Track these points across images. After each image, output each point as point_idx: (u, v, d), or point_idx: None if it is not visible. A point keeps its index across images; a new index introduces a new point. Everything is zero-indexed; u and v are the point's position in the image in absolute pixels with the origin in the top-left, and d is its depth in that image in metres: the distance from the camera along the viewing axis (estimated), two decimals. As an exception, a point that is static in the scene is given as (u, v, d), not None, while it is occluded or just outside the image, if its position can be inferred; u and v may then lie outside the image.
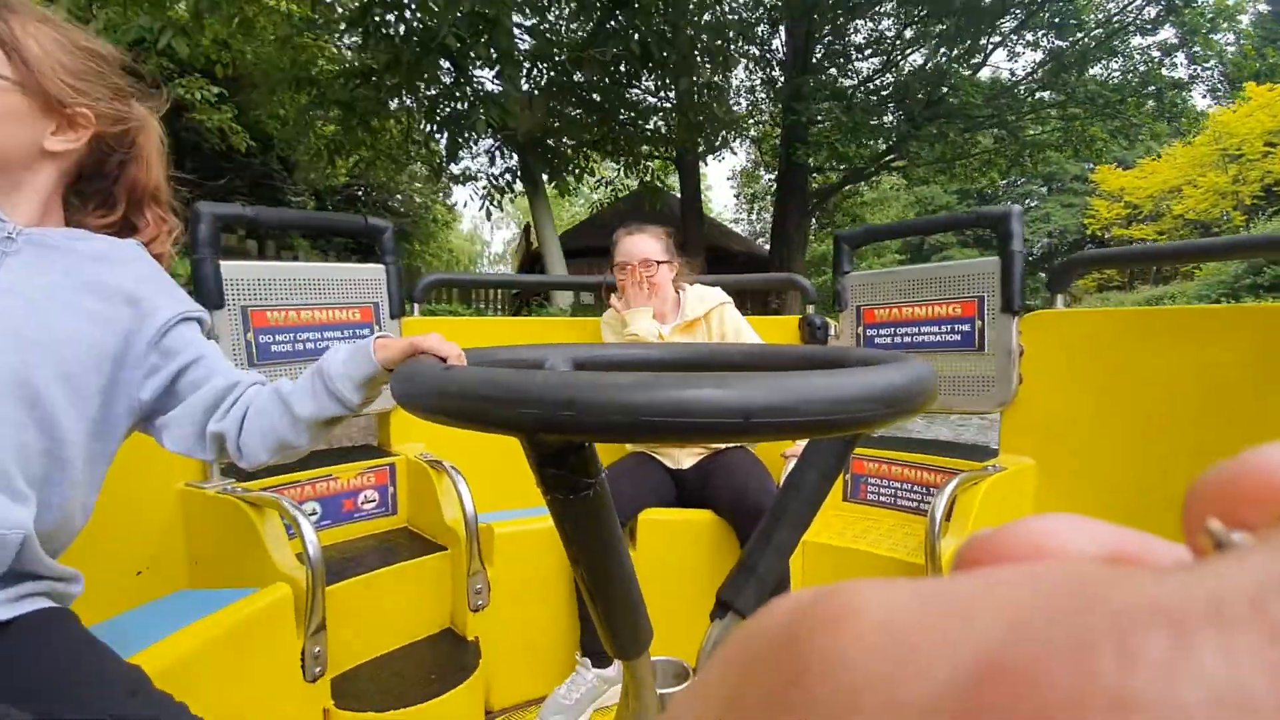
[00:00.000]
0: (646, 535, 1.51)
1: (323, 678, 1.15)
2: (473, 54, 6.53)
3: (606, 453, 1.75)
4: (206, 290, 1.35)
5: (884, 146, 10.92)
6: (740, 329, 1.66)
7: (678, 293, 1.73)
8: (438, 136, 7.85)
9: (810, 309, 1.97)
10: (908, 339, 1.72)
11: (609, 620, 0.63)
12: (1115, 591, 0.07)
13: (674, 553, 1.50)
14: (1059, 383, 1.52)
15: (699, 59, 8.14)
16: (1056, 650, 0.07)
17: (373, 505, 1.62)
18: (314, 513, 1.51)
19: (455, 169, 8.67)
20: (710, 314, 1.68)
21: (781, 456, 1.59)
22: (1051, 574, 0.08)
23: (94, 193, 0.84)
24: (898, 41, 10.66)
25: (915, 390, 0.52)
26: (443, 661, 1.34)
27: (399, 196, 14.25)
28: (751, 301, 10.03)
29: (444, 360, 0.74)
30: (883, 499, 1.70)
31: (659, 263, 1.66)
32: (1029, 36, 10.18)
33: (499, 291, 10.31)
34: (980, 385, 1.61)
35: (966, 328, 1.63)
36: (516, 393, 0.45)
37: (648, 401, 0.43)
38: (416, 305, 1.88)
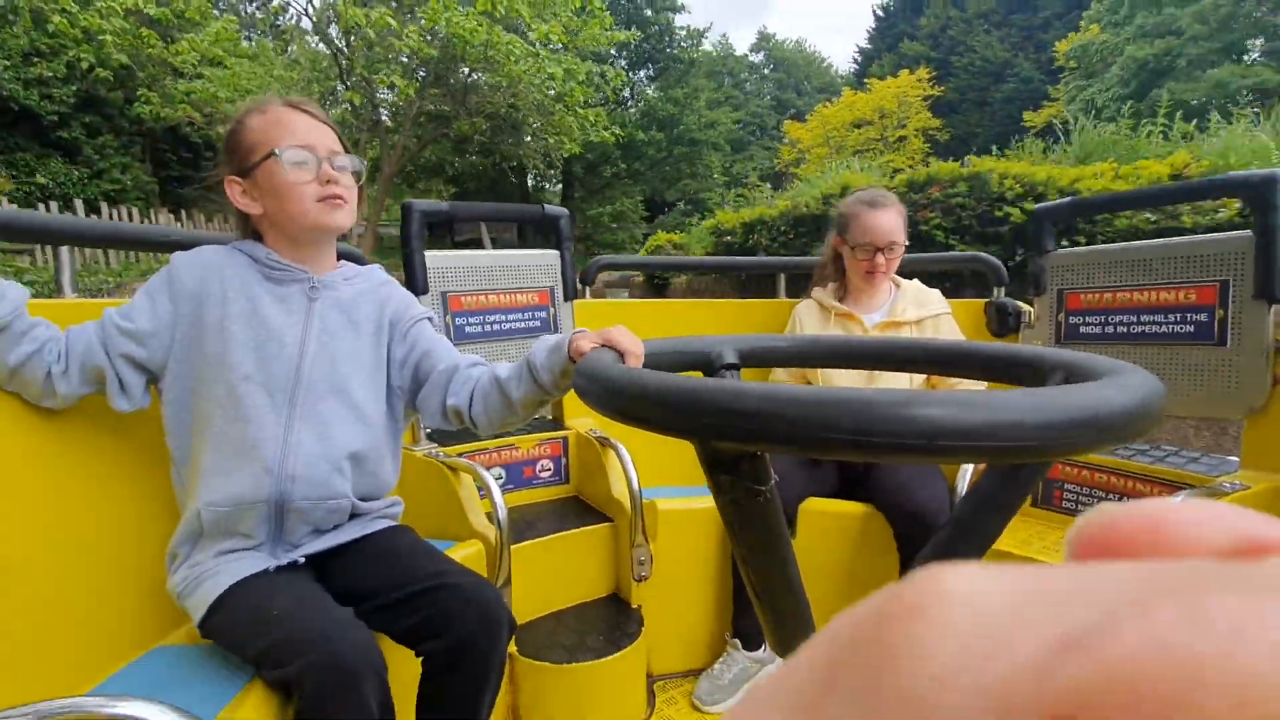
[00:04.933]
0: (807, 525, 1.49)
1: (508, 627, 1.30)
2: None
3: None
4: (415, 278, 1.54)
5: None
6: None
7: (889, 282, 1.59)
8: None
9: (999, 291, 1.78)
10: (1124, 329, 1.50)
11: (772, 618, 0.65)
12: (1207, 576, 0.07)
13: (834, 545, 1.47)
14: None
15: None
16: (1129, 622, 0.07)
17: (548, 474, 1.76)
18: (500, 477, 1.68)
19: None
20: (926, 322, 1.53)
21: None
22: (1149, 569, 0.08)
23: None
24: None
25: (1138, 414, 0.46)
26: (610, 624, 1.44)
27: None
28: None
29: (621, 356, 0.79)
30: (1081, 508, 1.51)
31: (902, 246, 1.51)
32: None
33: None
34: (1220, 385, 1.36)
35: (1204, 317, 1.38)
36: (688, 401, 0.47)
37: (828, 418, 0.43)
38: (588, 288, 1.99)
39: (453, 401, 1.01)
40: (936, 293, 1.59)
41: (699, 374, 0.84)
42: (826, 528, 1.48)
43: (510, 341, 1.74)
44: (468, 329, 1.67)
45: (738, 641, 1.49)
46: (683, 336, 0.90)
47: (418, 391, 1.06)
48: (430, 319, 1.10)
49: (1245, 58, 14.07)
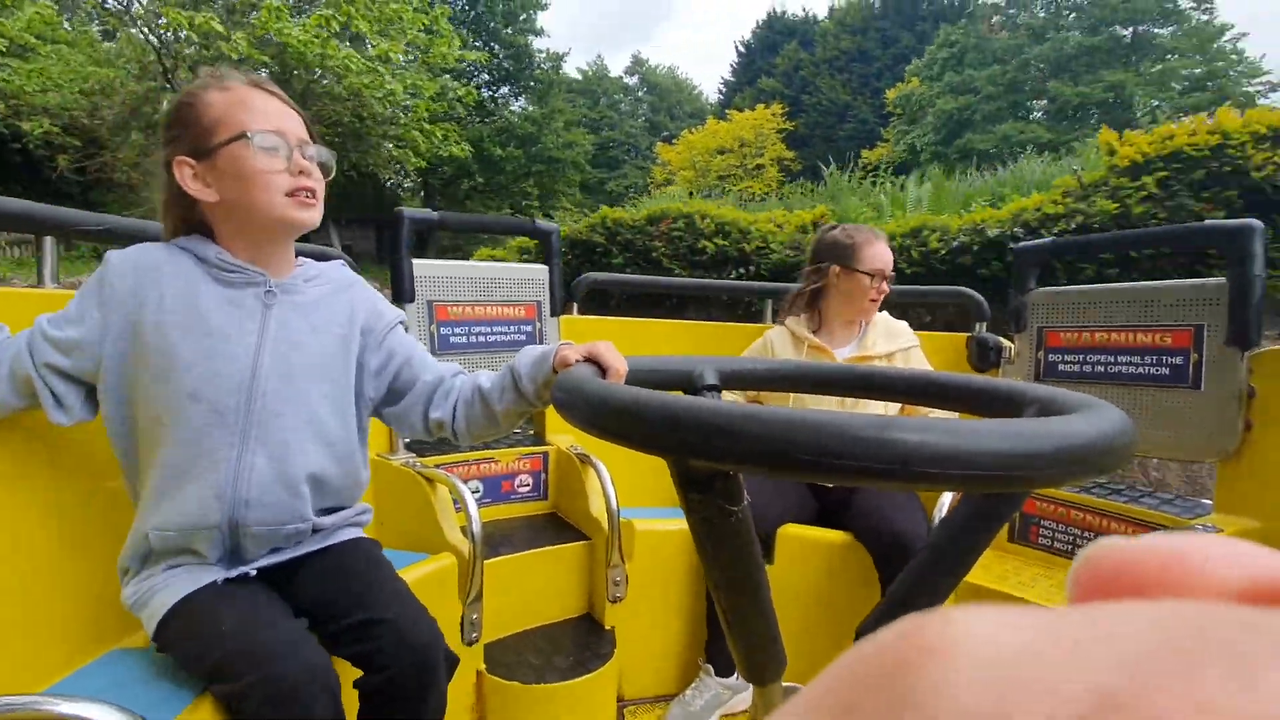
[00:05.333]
0: (785, 551, 1.48)
1: (478, 643, 1.27)
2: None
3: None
4: (402, 286, 1.53)
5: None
6: None
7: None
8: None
9: (980, 326, 1.81)
10: (1100, 369, 1.52)
11: (743, 645, 0.64)
12: (1236, 627, 0.07)
13: (811, 572, 1.46)
14: (1302, 434, 1.27)
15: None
16: (1170, 680, 0.07)
17: (526, 489, 1.75)
18: (477, 491, 1.66)
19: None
20: (896, 355, 1.54)
21: None
22: (1173, 611, 0.08)
23: None
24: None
25: (1108, 448, 0.47)
26: (581, 645, 1.42)
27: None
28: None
29: (604, 371, 0.78)
30: (1057, 546, 1.52)
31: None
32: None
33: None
34: (1193, 429, 1.39)
35: (1178, 360, 1.41)
36: (664, 417, 0.47)
37: (802, 439, 0.43)
38: (575, 304, 1.99)
39: (436, 415, 0.97)
40: (905, 325, 1.60)
41: (679, 393, 0.84)
42: (804, 554, 1.47)
43: (494, 354, 1.73)
44: (452, 339, 1.66)
45: (710, 667, 1.47)
46: (665, 355, 0.90)
47: (394, 401, 1.00)
48: (403, 322, 1.04)
49: (1030, 116, 16.49)
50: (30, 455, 0.93)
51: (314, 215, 0.89)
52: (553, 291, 1.82)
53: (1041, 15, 15.85)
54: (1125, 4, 14.42)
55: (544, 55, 18.54)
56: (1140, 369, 1.46)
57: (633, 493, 1.67)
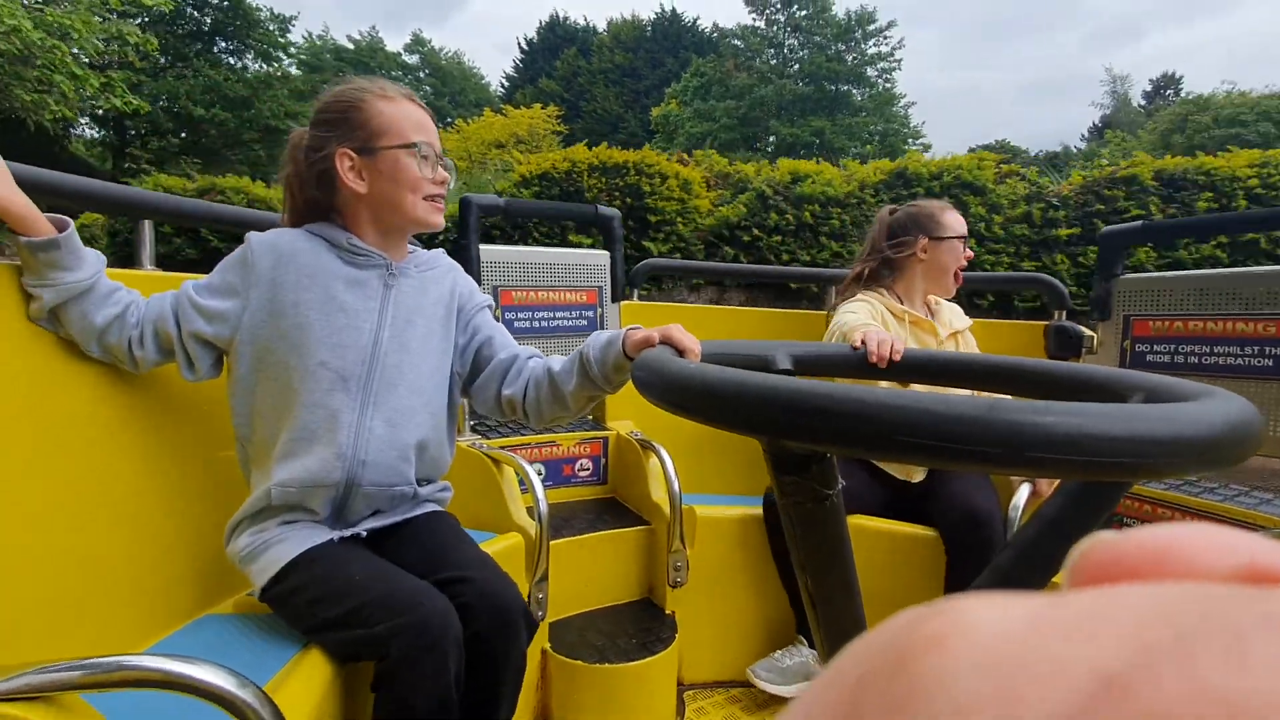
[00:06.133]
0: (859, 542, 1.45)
1: (543, 621, 1.30)
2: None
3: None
4: (472, 271, 1.56)
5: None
6: None
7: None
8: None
9: (1061, 315, 1.72)
10: (1195, 359, 1.43)
11: (827, 629, 0.63)
12: (1234, 608, 0.07)
13: (880, 563, 1.43)
14: None
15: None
16: (1170, 661, 0.07)
17: (586, 474, 1.76)
18: (540, 473, 1.69)
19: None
20: (958, 335, 1.52)
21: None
22: (1172, 593, 0.08)
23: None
24: None
25: (1236, 438, 0.44)
26: (642, 628, 1.43)
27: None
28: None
29: (680, 353, 0.78)
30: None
31: None
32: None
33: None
34: (1299, 424, 1.29)
35: (1284, 351, 1.31)
36: (762, 396, 0.46)
37: (904, 420, 0.42)
38: (635, 290, 1.99)
39: (509, 392, 1.02)
40: (959, 309, 1.57)
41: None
42: (874, 545, 1.44)
43: (557, 339, 1.75)
44: (516, 324, 1.69)
45: (804, 639, 1.48)
46: (735, 340, 0.89)
47: (474, 378, 1.07)
48: (490, 306, 1.12)
49: (760, 147, 18.67)
50: (142, 422, 0.99)
51: (442, 219, 1.01)
52: (614, 276, 1.83)
53: (771, 63, 18.46)
54: (829, 64, 17.83)
55: (266, 15, 16.20)
56: (1240, 360, 1.37)
57: (691, 480, 1.67)
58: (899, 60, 18.51)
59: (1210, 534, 0.09)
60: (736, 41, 18.66)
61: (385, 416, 0.97)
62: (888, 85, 18.96)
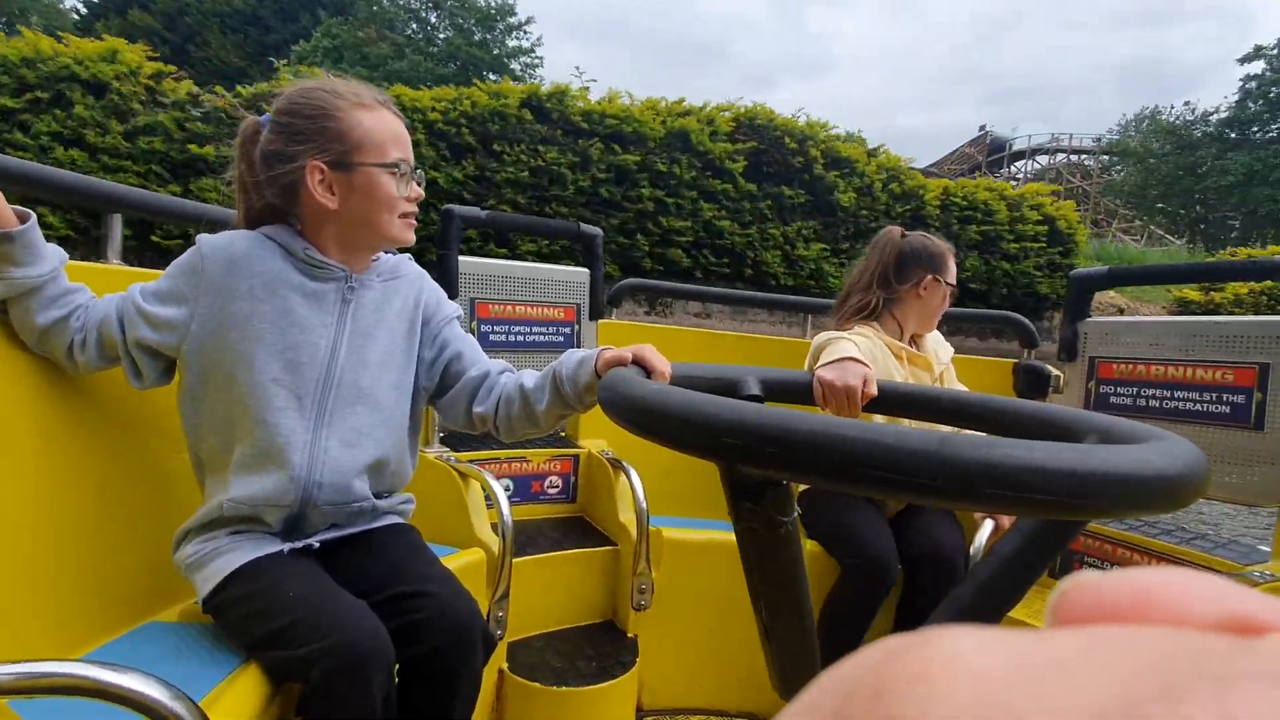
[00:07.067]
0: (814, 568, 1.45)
1: (501, 640, 1.27)
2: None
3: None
4: (450, 283, 1.55)
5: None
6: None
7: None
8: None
9: (1029, 353, 1.76)
10: (1155, 403, 1.46)
11: (778, 659, 0.62)
12: (1221, 659, 0.07)
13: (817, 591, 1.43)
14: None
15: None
16: (1156, 705, 0.07)
17: (555, 491, 1.75)
18: (508, 488, 1.67)
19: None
20: (944, 373, 1.51)
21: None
22: (1157, 640, 0.08)
23: None
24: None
25: (1180, 482, 0.44)
26: (603, 651, 1.41)
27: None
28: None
29: (649, 373, 0.78)
30: (1099, 583, 1.46)
31: None
32: None
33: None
34: (1255, 471, 1.32)
35: (1240, 399, 1.35)
36: (718, 420, 0.46)
37: (855, 451, 0.42)
38: (614, 309, 1.99)
39: (480, 409, 0.99)
40: (939, 335, 1.58)
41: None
42: (827, 571, 1.44)
43: (532, 354, 1.75)
44: (492, 337, 1.68)
45: None
46: (708, 364, 0.90)
47: (443, 392, 1.04)
48: (459, 317, 1.09)
49: None
50: (88, 425, 0.96)
51: (413, 235, 0.97)
52: (594, 295, 1.83)
53: (414, 37, 16.85)
54: (470, 49, 16.36)
55: None
56: (1199, 406, 1.40)
57: (662, 502, 1.66)
58: (540, 58, 17.62)
59: (1192, 580, 0.09)
60: (376, 6, 16.55)
61: (341, 437, 0.93)
62: (535, 82, 17.74)
